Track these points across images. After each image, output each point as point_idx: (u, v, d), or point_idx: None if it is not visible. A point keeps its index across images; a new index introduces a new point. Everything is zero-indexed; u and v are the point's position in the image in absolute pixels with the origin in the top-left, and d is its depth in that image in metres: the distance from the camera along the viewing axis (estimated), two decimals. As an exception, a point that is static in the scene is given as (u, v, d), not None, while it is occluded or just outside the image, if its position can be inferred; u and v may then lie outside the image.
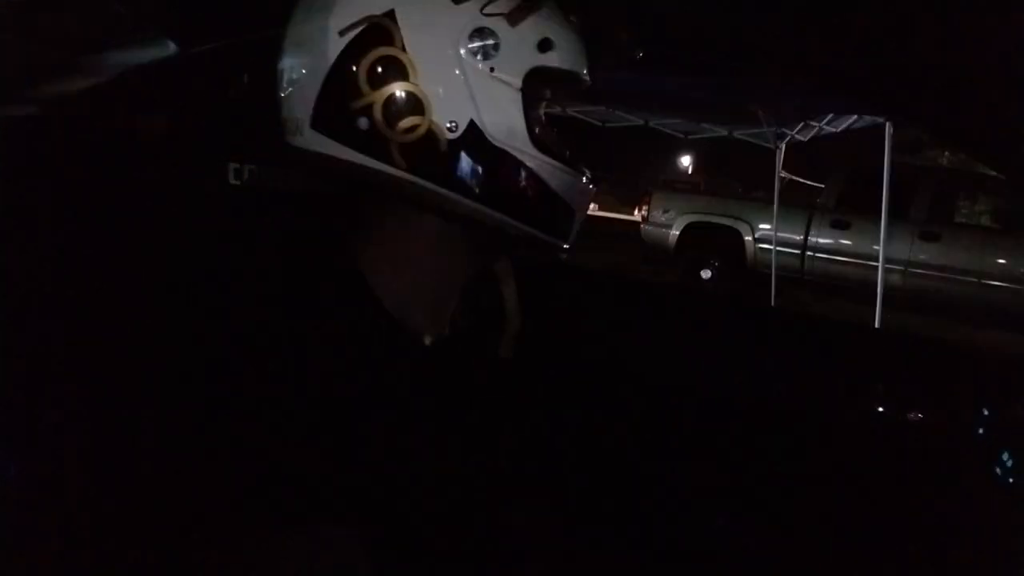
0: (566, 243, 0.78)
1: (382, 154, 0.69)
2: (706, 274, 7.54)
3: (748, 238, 7.35)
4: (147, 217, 1.16)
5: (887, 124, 4.80)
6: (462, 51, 0.68)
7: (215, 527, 0.62)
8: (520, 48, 0.70)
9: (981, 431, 1.31)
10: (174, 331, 0.89)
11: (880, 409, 1.43)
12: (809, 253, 7.01)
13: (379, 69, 0.68)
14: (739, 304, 3.66)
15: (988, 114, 1.08)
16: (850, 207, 6.81)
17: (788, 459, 1.35)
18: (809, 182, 8.56)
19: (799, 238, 7.01)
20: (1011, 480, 1.21)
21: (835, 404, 1.42)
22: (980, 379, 1.38)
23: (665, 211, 7.78)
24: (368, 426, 0.66)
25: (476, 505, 0.78)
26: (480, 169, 0.70)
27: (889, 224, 4.91)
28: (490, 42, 0.69)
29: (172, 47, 1.24)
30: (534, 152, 0.72)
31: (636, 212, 10.23)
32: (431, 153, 0.69)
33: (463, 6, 0.68)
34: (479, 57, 0.69)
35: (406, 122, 0.68)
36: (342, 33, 0.68)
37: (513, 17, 0.69)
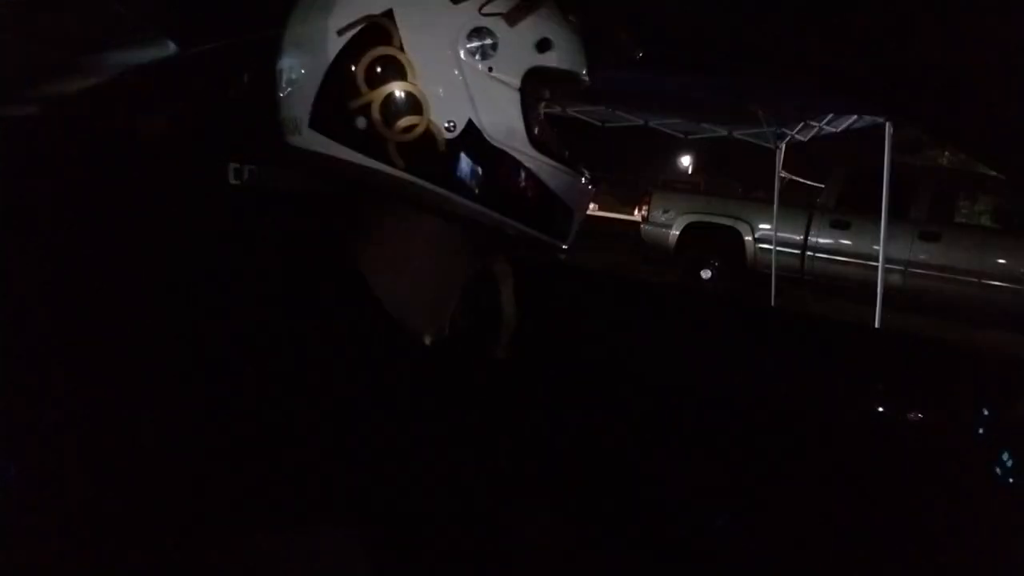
0: (565, 243, 0.78)
1: (380, 154, 0.69)
2: (706, 274, 7.54)
3: (748, 238, 7.35)
4: (147, 217, 1.16)
5: (887, 124, 4.80)
6: (460, 51, 0.68)
7: (215, 527, 0.62)
8: (518, 48, 0.70)
9: (981, 431, 1.31)
10: (174, 331, 0.89)
11: (880, 409, 1.43)
12: (809, 253, 7.01)
13: (377, 69, 0.68)
14: (739, 304, 3.66)
15: (988, 114, 1.08)
16: (850, 207, 6.81)
17: (788, 459, 1.35)
18: (809, 182, 8.56)
19: (799, 238, 7.01)
20: (1011, 480, 1.21)
21: (835, 404, 1.42)
22: (980, 379, 1.38)
23: (665, 211, 7.78)
24: (368, 426, 0.66)
25: (476, 505, 0.78)
26: (478, 169, 0.70)
27: (889, 224, 4.90)
28: (488, 42, 0.69)
29: (172, 47, 1.24)
30: (533, 152, 0.72)
31: (636, 212, 10.23)
32: (429, 153, 0.69)
33: (461, 6, 0.68)
34: (477, 57, 0.69)
35: (404, 122, 0.68)
36: (340, 33, 0.68)
37: (511, 17, 0.69)
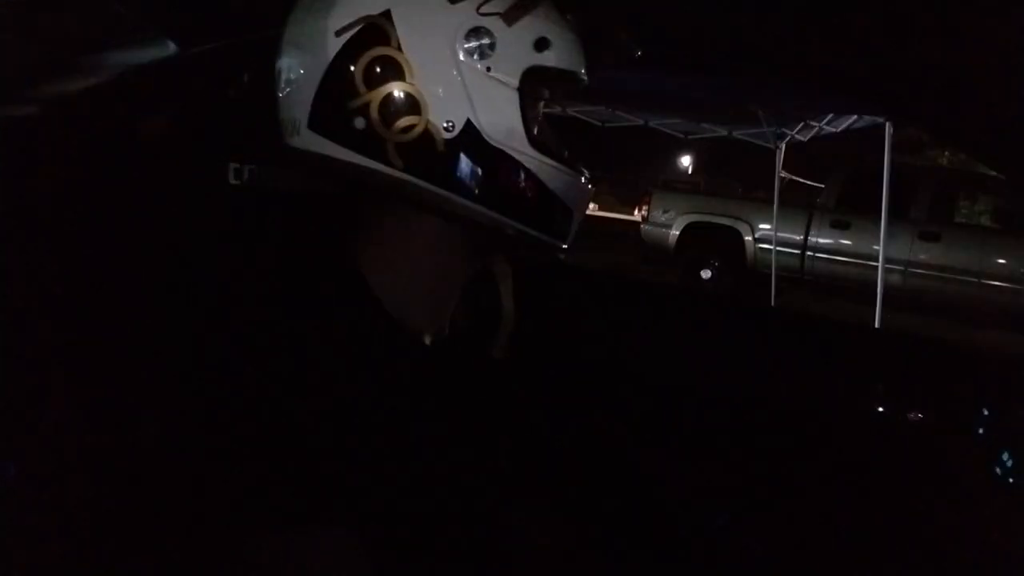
0: (565, 243, 0.78)
1: (379, 154, 0.69)
2: (706, 274, 7.54)
3: (748, 238, 7.35)
4: (147, 217, 1.16)
5: (887, 124, 4.80)
6: (458, 51, 0.68)
7: (215, 527, 0.62)
8: (516, 47, 0.70)
9: (981, 431, 1.31)
10: (174, 331, 0.89)
11: (880, 409, 1.43)
12: (809, 253, 7.01)
13: (375, 69, 0.68)
14: (739, 304, 3.66)
15: (988, 114, 1.08)
16: (850, 207, 6.81)
17: (788, 459, 1.35)
18: (809, 182, 8.56)
19: (799, 238, 7.01)
20: (1011, 480, 1.21)
21: (835, 404, 1.42)
22: (980, 379, 1.38)
23: (665, 211, 7.78)
24: (368, 426, 0.65)
25: (476, 505, 0.78)
26: (477, 169, 0.70)
27: (889, 224, 4.90)
28: (486, 41, 0.69)
29: (172, 47, 1.24)
30: (532, 152, 0.72)
31: (636, 212, 10.24)
32: (428, 153, 0.69)
33: (459, 5, 0.68)
34: (475, 56, 0.69)
35: (402, 122, 0.68)
36: (339, 33, 0.68)
37: (509, 16, 0.69)
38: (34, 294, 0.99)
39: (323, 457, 0.62)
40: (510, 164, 0.71)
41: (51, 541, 0.83)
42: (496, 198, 0.71)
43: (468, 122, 0.69)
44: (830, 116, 5.84)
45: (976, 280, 6.27)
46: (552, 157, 0.73)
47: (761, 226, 7.24)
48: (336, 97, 0.69)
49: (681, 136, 7.96)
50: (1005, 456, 1.23)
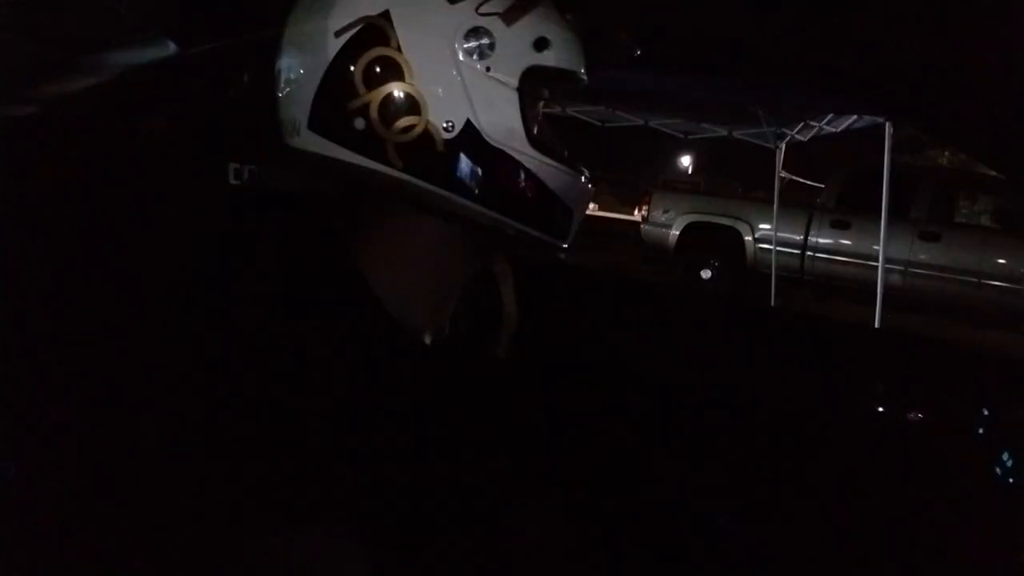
0: (565, 243, 0.78)
1: (379, 154, 0.69)
2: (706, 274, 7.54)
3: (748, 238, 7.35)
4: (147, 217, 1.16)
5: (887, 124, 4.80)
6: (458, 51, 0.68)
7: (215, 527, 0.62)
8: (516, 47, 0.70)
9: (981, 431, 1.31)
10: (174, 331, 0.89)
11: (880, 409, 1.43)
12: (809, 253, 7.00)
13: (375, 69, 0.68)
14: (739, 304, 3.66)
15: (988, 114, 1.08)
16: (850, 207, 6.81)
17: (788, 459, 1.35)
18: (809, 182, 8.56)
19: (799, 238, 7.01)
20: (1011, 480, 1.21)
21: (835, 404, 1.42)
22: (980, 379, 1.38)
23: (665, 211, 7.78)
24: (368, 426, 0.66)
25: (476, 505, 0.78)
26: (477, 169, 0.70)
27: (889, 224, 4.90)
28: (485, 41, 0.69)
29: (172, 47, 1.24)
30: (531, 152, 0.72)
31: (636, 212, 10.24)
32: (427, 153, 0.69)
33: (458, 6, 0.68)
34: (475, 56, 0.69)
35: (402, 122, 0.68)
36: (338, 34, 0.68)
37: (508, 16, 0.69)
38: (34, 294, 0.99)
39: (323, 457, 0.62)
40: (510, 164, 0.71)
41: (51, 541, 0.83)
42: (496, 198, 0.71)
43: (468, 122, 0.69)
44: (830, 116, 5.84)
45: (976, 280, 6.27)
46: (552, 157, 0.73)
47: (761, 226, 7.24)
48: (336, 97, 0.69)
49: (681, 136, 7.95)
50: (1005, 456, 1.23)
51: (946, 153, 11.60)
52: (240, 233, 1.06)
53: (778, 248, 6.80)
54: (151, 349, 0.91)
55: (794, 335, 1.62)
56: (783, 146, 6.90)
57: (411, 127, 0.68)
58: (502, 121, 0.70)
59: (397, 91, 0.68)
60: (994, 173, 4.19)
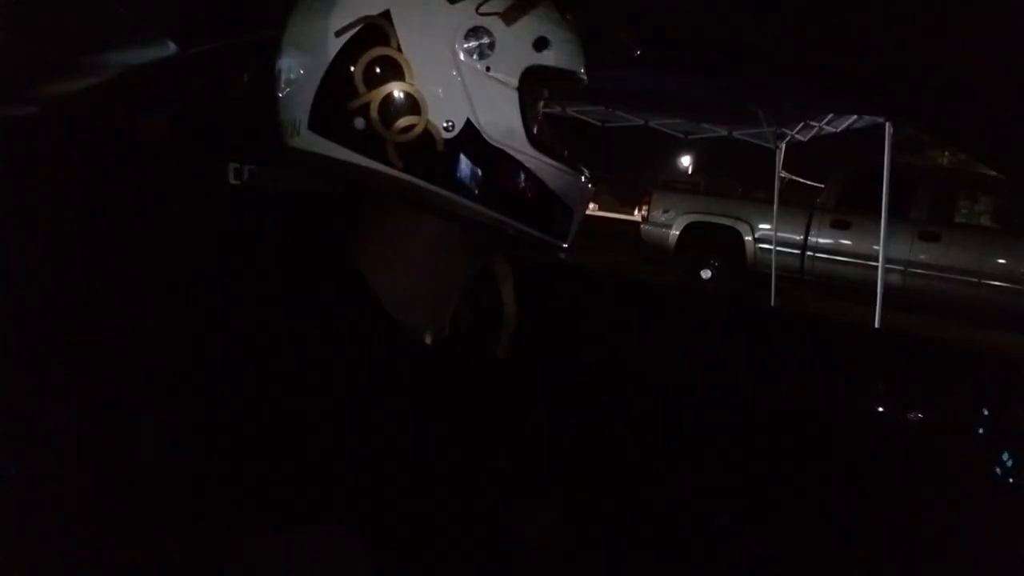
0: (565, 243, 0.78)
1: (379, 154, 0.69)
2: (706, 274, 7.54)
3: (748, 238, 7.35)
4: (147, 217, 1.16)
5: (887, 124, 4.80)
6: (458, 50, 0.68)
7: (215, 527, 0.62)
8: (516, 47, 0.70)
9: (981, 431, 1.31)
10: (174, 331, 0.89)
11: (880, 409, 1.43)
12: (809, 253, 7.00)
13: (375, 69, 0.68)
14: (739, 304, 3.66)
15: (988, 114, 1.08)
16: (850, 207, 6.81)
17: (788, 459, 1.35)
18: (809, 182, 8.55)
19: (799, 238, 7.01)
20: (1011, 480, 1.21)
21: (835, 404, 1.42)
22: (980, 379, 1.38)
23: (665, 211, 7.77)
24: (368, 426, 0.66)
25: (476, 505, 0.78)
26: (477, 169, 0.70)
27: (889, 224, 4.90)
28: (485, 41, 0.69)
29: (172, 47, 1.24)
30: (531, 152, 0.72)
31: (636, 212, 10.23)
32: (428, 153, 0.69)
33: (458, 5, 0.68)
34: (475, 56, 0.69)
35: (402, 122, 0.68)
36: (338, 34, 0.68)
37: (508, 16, 0.69)
38: (34, 294, 0.99)
39: (323, 457, 0.62)
40: (510, 164, 0.71)
41: (51, 541, 0.83)
42: (496, 198, 0.71)
43: (468, 122, 0.69)
44: (830, 116, 5.85)
45: (976, 280, 6.27)
46: (552, 157, 0.73)
47: (761, 226, 7.24)
48: (336, 97, 0.69)
49: (681, 136, 7.96)
50: (1005, 456, 1.23)
51: (946, 153, 11.60)
52: (240, 233, 1.06)
53: (778, 248, 6.80)
54: (151, 349, 0.91)
55: (794, 335, 1.62)
56: (783, 146, 6.90)
57: (411, 127, 0.68)
58: (502, 121, 0.70)
59: (397, 91, 0.68)
60: (994, 173, 4.19)
